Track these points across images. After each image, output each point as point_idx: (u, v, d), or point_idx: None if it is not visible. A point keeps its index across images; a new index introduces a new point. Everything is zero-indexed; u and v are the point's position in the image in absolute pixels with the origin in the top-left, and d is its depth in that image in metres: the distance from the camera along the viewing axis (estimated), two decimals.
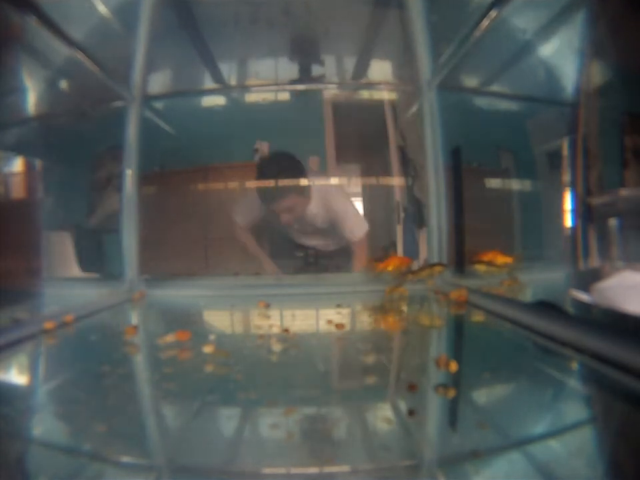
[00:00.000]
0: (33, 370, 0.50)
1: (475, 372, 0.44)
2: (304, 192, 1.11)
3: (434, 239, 1.06)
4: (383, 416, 0.34)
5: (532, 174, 0.90)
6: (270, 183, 1.10)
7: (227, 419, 0.35)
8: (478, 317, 0.70)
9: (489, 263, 0.90)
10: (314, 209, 1.12)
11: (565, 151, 0.75)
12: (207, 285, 1.04)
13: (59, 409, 0.37)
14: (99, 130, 1.05)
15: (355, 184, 1.16)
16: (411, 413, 0.34)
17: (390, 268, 0.94)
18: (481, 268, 0.91)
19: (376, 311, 0.80)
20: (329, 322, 0.64)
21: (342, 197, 1.13)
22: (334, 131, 1.17)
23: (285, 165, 1.12)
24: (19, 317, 0.63)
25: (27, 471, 0.27)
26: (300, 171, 1.12)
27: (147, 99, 1.11)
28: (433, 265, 0.95)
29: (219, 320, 0.80)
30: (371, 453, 0.29)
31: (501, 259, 0.89)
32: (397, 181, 1.14)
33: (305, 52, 1.16)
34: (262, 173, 1.11)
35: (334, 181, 1.15)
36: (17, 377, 0.47)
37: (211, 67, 1.17)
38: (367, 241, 1.13)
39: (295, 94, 1.21)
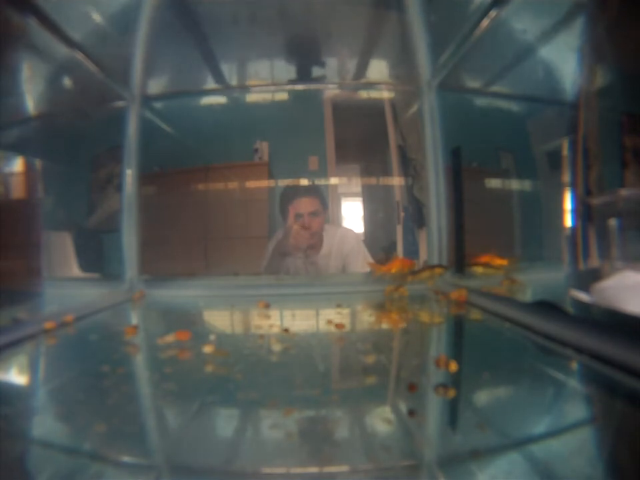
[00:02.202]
0: (33, 370, 0.50)
1: (474, 372, 0.44)
2: (325, 210, 1.15)
3: (434, 239, 1.06)
4: (382, 416, 0.34)
5: (532, 174, 0.91)
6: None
7: (227, 419, 0.35)
8: (478, 316, 0.70)
9: (486, 265, 0.90)
10: (327, 250, 1.13)
11: (565, 151, 0.75)
12: (207, 285, 1.04)
13: (59, 409, 0.37)
14: (98, 130, 1.05)
15: (355, 184, 1.16)
16: (411, 413, 0.34)
17: (393, 270, 0.94)
18: (478, 270, 0.92)
19: (376, 311, 0.80)
20: (329, 322, 0.64)
21: (354, 240, 1.15)
22: (334, 131, 1.17)
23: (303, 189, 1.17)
24: (19, 317, 0.63)
25: (27, 470, 0.27)
26: (320, 195, 1.16)
27: (147, 99, 1.11)
28: (433, 267, 0.95)
29: (219, 320, 0.80)
30: (371, 453, 0.29)
31: (498, 262, 0.89)
32: (397, 180, 1.14)
33: (304, 52, 1.16)
34: (284, 200, 1.15)
35: (334, 180, 1.15)
36: (17, 376, 0.47)
37: (210, 67, 1.17)
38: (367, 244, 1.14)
39: (294, 94, 1.21)
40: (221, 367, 0.44)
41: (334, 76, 1.20)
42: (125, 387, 0.40)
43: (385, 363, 0.47)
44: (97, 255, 1.07)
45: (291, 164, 1.17)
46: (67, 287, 0.94)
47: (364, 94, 1.22)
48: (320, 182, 1.15)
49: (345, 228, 1.16)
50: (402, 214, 1.13)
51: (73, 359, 0.52)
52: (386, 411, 0.36)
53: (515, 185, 0.98)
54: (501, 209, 0.99)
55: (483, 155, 1.02)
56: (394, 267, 0.95)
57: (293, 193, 1.17)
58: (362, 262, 1.11)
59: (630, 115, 0.64)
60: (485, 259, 0.91)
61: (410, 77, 1.12)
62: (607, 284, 0.56)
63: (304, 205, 1.14)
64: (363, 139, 1.20)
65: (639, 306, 0.50)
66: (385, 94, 1.18)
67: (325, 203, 1.16)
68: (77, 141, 0.98)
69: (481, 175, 1.02)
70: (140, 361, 0.51)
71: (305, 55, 1.16)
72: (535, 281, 0.85)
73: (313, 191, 1.18)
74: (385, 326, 0.69)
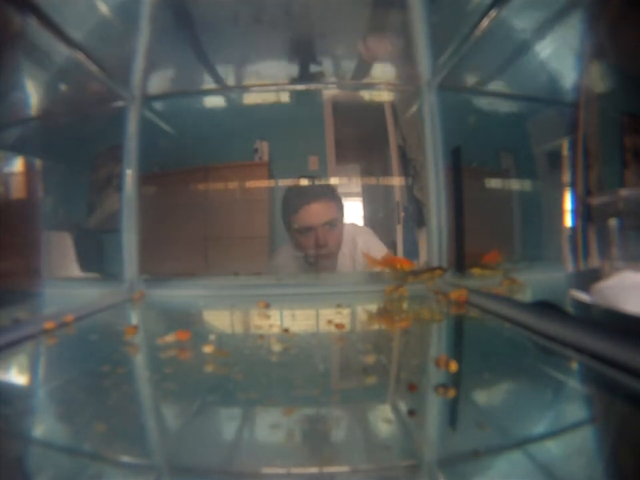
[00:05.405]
0: (33, 370, 0.50)
1: (474, 372, 0.44)
2: (342, 217, 0.98)
3: (434, 239, 1.06)
4: (382, 416, 0.34)
5: (532, 174, 0.90)
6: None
7: (227, 419, 0.35)
8: (478, 317, 0.70)
9: (485, 266, 0.90)
10: (341, 254, 1.03)
11: (565, 151, 0.75)
12: (207, 285, 1.04)
13: (59, 409, 0.37)
14: (98, 130, 1.05)
15: (355, 184, 1.16)
16: (411, 413, 0.34)
17: (389, 267, 0.94)
18: (476, 271, 0.92)
19: (376, 311, 0.80)
20: (329, 322, 0.64)
21: (366, 234, 1.04)
22: (334, 131, 1.17)
23: (312, 190, 0.99)
24: (19, 317, 0.63)
25: (27, 471, 0.27)
26: (331, 192, 0.99)
27: (147, 99, 1.11)
28: (433, 269, 0.95)
29: (219, 320, 0.80)
30: (371, 453, 0.29)
31: (500, 260, 0.89)
32: (397, 180, 1.14)
33: (304, 52, 1.16)
34: (290, 208, 0.97)
35: (334, 180, 1.15)
36: (17, 376, 0.47)
37: (210, 67, 1.17)
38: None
39: (294, 94, 1.21)
40: (221, 366, 0.44)
41: (334, 76, 1.20)
42: (125, 387, 0.40)
43: (385, 363, 0.47)
44: (97, 255, 1.06)
45: (291, 164, 1.17)
46: (67, 286, 0.94)
47: (364, 94, 1.22)
48: (320, 182, 1.15)
49: (352, 224, 1.06)
50: (402, 214, 1.13)
51: (73, 359, 0.52)
52: (386, 411, 0.36)
53: (515, 184, 0.98)
54: (501, 209, 0.99)
55: (483, 155, 1.02)
56: (388, 264, 0.94)
57: (298, 197, 0.98)
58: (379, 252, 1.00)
59: (630, 115, 0.64)
60: (488, 257, 0.91)
61: (410, 76, 1.12)
62: (606, 284, 0.56)
63: (315, 214, 0.95)
64: (363, 139, 1.19)
65: (639, 306, 0.50)
66: (385, 94, 1.18)
67: (342, 208, 1.00)
68: (77, 141, 0.98)
69: (480, 174, 1.02)
70: (140, 361, 0.51)
71: (305, 55, 1.16)
72: (535, 281, 0.85)
73: (326, 193, 0.98)
74: (384, 326, 0.69)
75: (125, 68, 1.04)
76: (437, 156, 1.06)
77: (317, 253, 0.96)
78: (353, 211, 1.14)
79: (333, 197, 1.00)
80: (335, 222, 0.97)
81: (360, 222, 1.11)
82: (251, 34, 1.09)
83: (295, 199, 1.01)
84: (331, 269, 1.02)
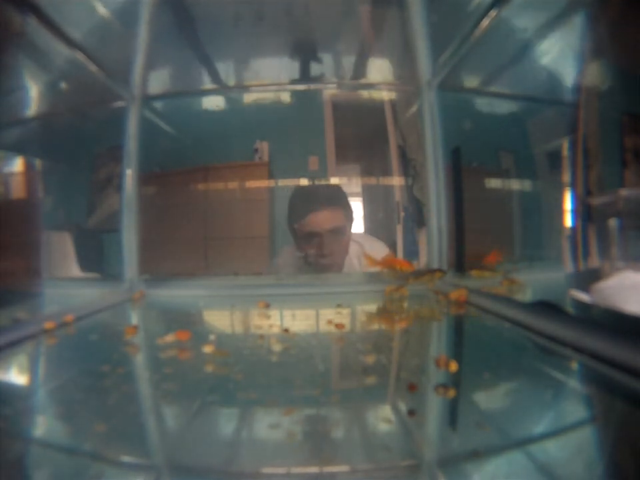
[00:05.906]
0: (33, 370, 0.50)
1: (474, 372, 0.44)
2: (350, 223, 0.95)
3: (434, 239, 1.06)
4: (383, 416, 0.34)
5: (532, 174, 0.90)
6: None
7: (227, 419, 0.35)
8: (478, 317, 0.70)
9: (484, 267, 0.90)
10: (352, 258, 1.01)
11: (565, 151, 0.75)
12: (207, 285, 1.04)
13: (59, 409, 0.37)
14: (98, 130, 1.05)
15: (355, 184, 1.16)
16: (411, 413, 0.34)
17: (389, 268, 0.94)
18: (476, 273, 0.92)
19: (376, 311, 0.80)
20: (329, 322, 0.64)
21: (366, 241, 1.02)
22: (334, 131, 1.17)
23: (322, 194, 0.94)
24: (19, 317, 0.63)
25: (27, 471, 0.27)
26: (339, 199, 0.95)
27: (147, 99, 1.11)
28: (433, 271, 0.95)
29: (219, 320, 0.80)
30: (371, 453, 0.29)
31: (500, 260, 0.89)
32: (397, 180, 1.14)
33: (304, 52, 1.16)
34: (295, 212, 0.94)
35: (334, 180, 1.15)
36: (17, 376, 0.47)
37: (210, 67, 1.17)
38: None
39: (294, 94, 1.21)
40: (221, 366, 0.44)
41: (334, 76, 1.20)
42: (125, 387, 0.40)
43: (385, 363, 0.47)
44: (97, 255, 1.07)
45: (291, 164, 1.17)
46: (67, 286, 0.94)
47: (364, 94, 1.22)
48: (320, 182, 1.14)
49: (358, 234, 1.05)
50: (402, 214, 1.13)
51: (73, 359, 0.52)
52: (386, 411, 0.36)
53: (515, 184, 0.98)
54: (501, 209, 0.99)
55: (483, 155, 1.02)
56: (386, 265, 0.94)
57: (305, 202, 0.94)
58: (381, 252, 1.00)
59: (630, 114, 0.64)
60: (489, 259, 0.91)
61: (410, 76, 1.12)
62: (607, 284, 0.56)
63: (321, 220, 0.92)
64: (363, 139, 1.19)
65: (639, 306, 0.50)
66: (385, 94, 1.18)
67: (350, 215, 0.96)
68: (77, 141, 0.98)
69: (480, 174, 1.02)
70: (140, 361, 0.51)
71: (305, 55, 1.16)
72: (535, 281, 0.85)
73: (334, 199, 0.96)
74: (384, 326, 0.69)
75: (125, 68, 1.04)
76: (437, 156, 1.06)
77: (321, 260, 0.95)
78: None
79: (341, 203, 0.98)
80: (342, 229, 0.95)
81: (360, 222, 1.11)
82: (251, 34, 1.09)
83: (301, 204, 1.00)
84: (336, 272, 1.03)
